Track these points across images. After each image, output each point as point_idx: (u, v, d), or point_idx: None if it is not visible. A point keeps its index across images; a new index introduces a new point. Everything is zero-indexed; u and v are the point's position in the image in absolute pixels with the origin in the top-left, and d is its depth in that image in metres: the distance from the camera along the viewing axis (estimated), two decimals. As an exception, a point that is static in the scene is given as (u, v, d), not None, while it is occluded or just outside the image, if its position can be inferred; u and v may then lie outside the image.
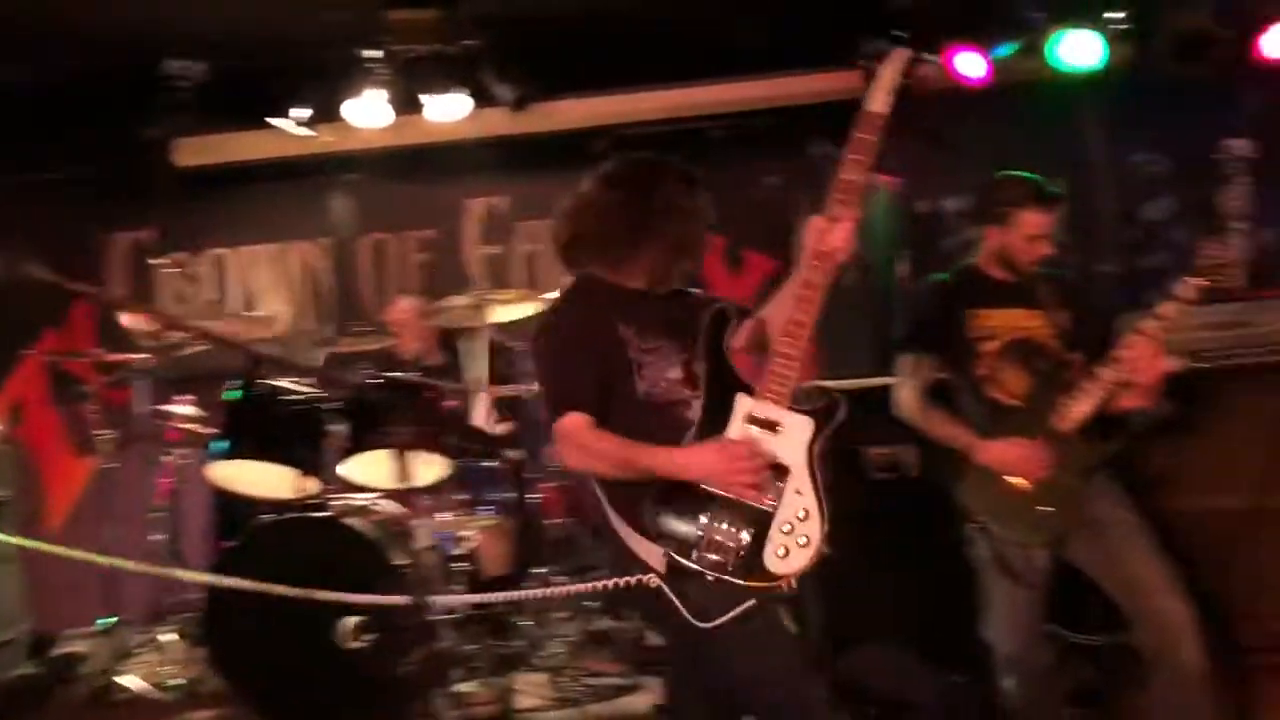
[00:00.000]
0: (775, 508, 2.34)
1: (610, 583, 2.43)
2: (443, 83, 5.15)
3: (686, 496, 2.35)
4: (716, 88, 5.61)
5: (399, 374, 4.53)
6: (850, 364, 4.66)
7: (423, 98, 5.24)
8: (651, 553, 2.37)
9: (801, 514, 2.34)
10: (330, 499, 4.13)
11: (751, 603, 2.31)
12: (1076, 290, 3.41)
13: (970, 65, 5.01)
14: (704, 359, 2.48)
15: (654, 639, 3.69)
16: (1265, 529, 4.33)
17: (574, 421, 2.46)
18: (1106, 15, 4.84)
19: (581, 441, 2.45)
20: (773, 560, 2.32)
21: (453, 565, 4.29)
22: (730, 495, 2.34)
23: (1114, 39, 4.87)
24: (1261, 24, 4.89)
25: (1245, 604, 4.21)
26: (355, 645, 3.75)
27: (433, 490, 4.43)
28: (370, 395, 4.28)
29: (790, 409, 2.40)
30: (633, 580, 2.38)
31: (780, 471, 2.36)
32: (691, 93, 5.59)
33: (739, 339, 2.55)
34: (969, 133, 5.63)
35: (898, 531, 4.42)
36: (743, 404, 2.41)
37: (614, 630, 4.41)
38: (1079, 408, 3.17)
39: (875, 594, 4.36)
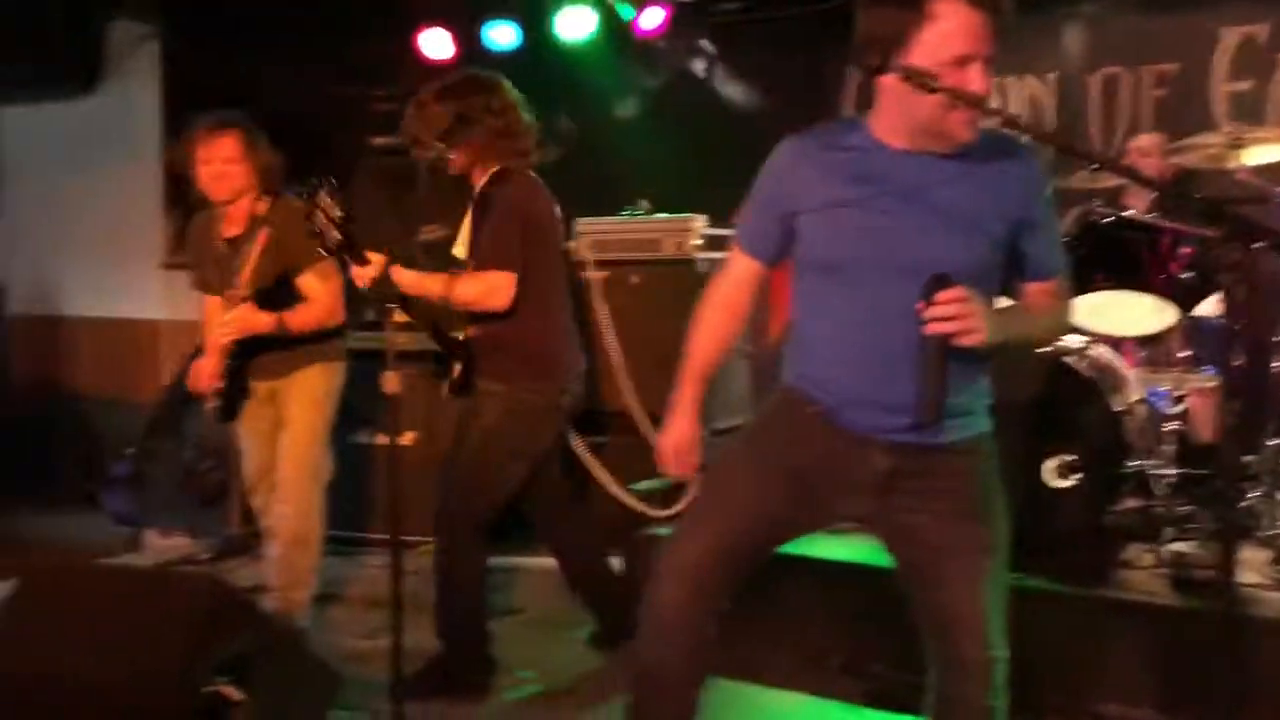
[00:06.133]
0: None
1: None
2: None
3: None
4: None
5: (1133, 213, 4.27)
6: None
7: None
8: None
9: None
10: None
11: None
12: None
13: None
14: None
15: None
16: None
17: None
18: None
19: None
20: None
21: (1163, 424, 4.03)
22: None
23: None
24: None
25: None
26: (1061, 484, 3.70)
27: (1153, 341, 4.16)
28: (1099, 233, 4.09)
29: None
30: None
31: None
32: None
33: None
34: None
35: None
36: None
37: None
38: None
39: None
